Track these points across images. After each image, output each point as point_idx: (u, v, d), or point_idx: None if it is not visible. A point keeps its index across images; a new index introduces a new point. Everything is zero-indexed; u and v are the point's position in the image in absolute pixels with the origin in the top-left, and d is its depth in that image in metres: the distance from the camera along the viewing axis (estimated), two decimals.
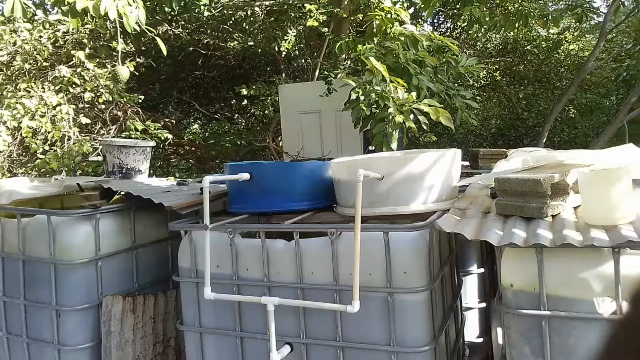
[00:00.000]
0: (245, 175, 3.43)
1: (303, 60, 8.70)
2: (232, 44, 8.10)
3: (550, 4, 7.74)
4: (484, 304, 4.03)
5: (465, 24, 6.79)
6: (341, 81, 5.72)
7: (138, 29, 4.62)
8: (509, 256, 2.34)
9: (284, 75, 6.57)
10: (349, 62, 6.37)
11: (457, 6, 6.45)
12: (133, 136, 5.24)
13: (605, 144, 6.89)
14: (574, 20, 7.86)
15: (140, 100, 6.01)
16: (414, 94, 4.44)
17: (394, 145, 4.43)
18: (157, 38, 4.42)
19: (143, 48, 8.74)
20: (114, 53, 5.95)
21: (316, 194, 3.58)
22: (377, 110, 4.56)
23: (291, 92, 6.28)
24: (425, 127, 4.43)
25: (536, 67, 8.26)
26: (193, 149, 8.69)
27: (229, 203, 3.79)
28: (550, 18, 7.01)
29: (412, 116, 4.36)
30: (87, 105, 5.57)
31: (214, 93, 8.87)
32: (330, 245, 2.79)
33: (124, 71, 4.31)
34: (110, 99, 5.22)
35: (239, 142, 6.58)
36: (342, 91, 5.33)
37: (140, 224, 4.01)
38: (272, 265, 2.93)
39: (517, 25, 6.35)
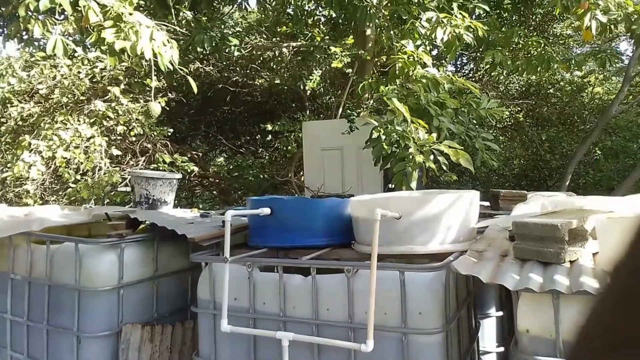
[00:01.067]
0: (266, 210, 3.51)
1: (327, 97, 8.93)
2: (259, 82, 8.38)
3: (575, 47, 7.82)
4: (502, 349, 3.94)
5: (488, 66, 6.90)
6: (363, 120, 5.85)
7: (171, 67, 4.86)
8: (525, 301, 2.33)
9: (308, 112, 6.75)
10: (371, 101, 6.51)
11: (480, 49, 6.57)
12: (161, 168, 5.43)
13: (631, 188, 6.78)
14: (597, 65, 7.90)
15: (169, 134, 6.24)
16: (434, 135, 4.51)
17: (414, 184, 4.47)
18: (188, 77, 4.64)
19: (175, 84, 9.13)
20: (147, 89, 6.24)
21: (335, 230, 3.63)
22: (398, 150, 4.63)
23: (314, 129, 6.43)
24: (444, 168, 4.47)
25: (560, 109, 8.25)
26: (217, 181, 8.88)
27: (250, 236, 3.86)
28: (573, 62, 7.08)
29: (432, 156, 4.42)
30: (119, 138, 5.83)
31: (240, 127, 9.12)
32: (346, 283, 2.83)
33: (156, 107, 4.52)
34: (141, 132, 5.45)
35: (261, 176, 6.71)
36: (363, 129, 5.45)
37: (163, 254, 4.09)
38: (288, 300, 2.97)
39: (538, 69, 6.42)
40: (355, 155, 6.24)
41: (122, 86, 5.68)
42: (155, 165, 5.62)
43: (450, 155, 4.28)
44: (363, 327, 2.62)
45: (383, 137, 4.68)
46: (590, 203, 3.03)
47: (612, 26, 5.88)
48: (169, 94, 8.29)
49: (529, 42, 6.44)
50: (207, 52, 5.53)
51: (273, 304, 3.01)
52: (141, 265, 3.85)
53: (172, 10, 5.42)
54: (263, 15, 7.33)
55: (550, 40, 6.97)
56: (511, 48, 6.64)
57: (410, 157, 4.49)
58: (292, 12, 7.60)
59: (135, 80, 5.87)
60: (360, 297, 2.77)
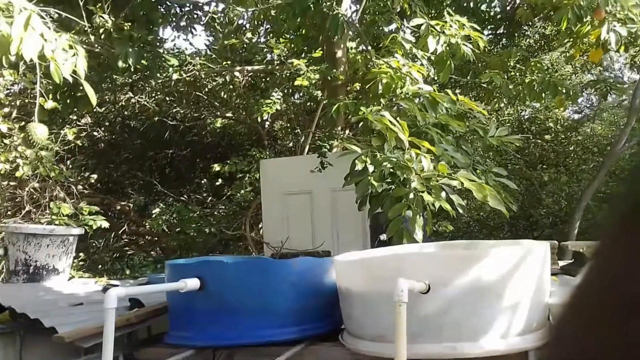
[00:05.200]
0: (193, 283, 2.06)
1: (290, 138, 7.63)
2: (208, 118, 7.02)
3: (567, 81, 6.95)
4: None
5: (483, 93, 5.88)
6: (337, 154, 4.53)
7: (70, 79, 3.45)
8: None
9: (267, 151, 5.42)
10: (347, 131, 5.26)
11: (474, 73, 5.55)
12: (56, 223, 3.87)
13: None
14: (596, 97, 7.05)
15: (68, 177, 4.68)
16: (443, 163, 3.22)
17: (419, 234, 3.10)
18: (85, 84, 3.23)
19: (107, 123, 7.63)
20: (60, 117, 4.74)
21: (309, 312, 2.21)
22: (393, 186, 3.30)
23: (275, 168, 5.09)
24: (461, 211, 3.15)
25: (555, 148, 7.31)
26: (156, 239, 7.24)
27: (169, 328, 2.38)
28: (570, 94, 6.11)
29: (443, 194, 3.09)
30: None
31: (186, 174, 7.65)
32: None
33: (40, 130, 3.04)
34: (29, 173, 3.90)
35: (207, 231, 5.21)
36: (339, 166, 4.12)
37: (30, 354, 2.58)
38: None
39: (543, 95, 5.41)
40: (328, 200, 4.85)
41: (5, 109, 4.16)
42: (49, 219, 4.06)
43: (473, 191, 2.98)
44: None
45: (370, 168, 3.35)
46: None
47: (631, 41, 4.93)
48: (96, 133, 6.79)
49: (530, 65, 5.42)
50: (132, 66, 4.19)
51: None
52: None
53: (81, 8, 4.06)
54: (211, 39, 6.11)
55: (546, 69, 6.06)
56: (509, 75, 5.64)
57: (412, 195, 3.15)
58: (247, 40, 6.43)
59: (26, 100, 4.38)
60: None
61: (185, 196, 6.41)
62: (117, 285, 3.29)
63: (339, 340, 2.14)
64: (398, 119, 3.73)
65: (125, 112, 7.17)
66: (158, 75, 4.95)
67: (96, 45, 4.64)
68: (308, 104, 7.40)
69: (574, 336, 0.31)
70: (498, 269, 1.79)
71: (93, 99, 3.18)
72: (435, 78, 4.89)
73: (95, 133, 6.54)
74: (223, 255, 4.08)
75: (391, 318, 1.78)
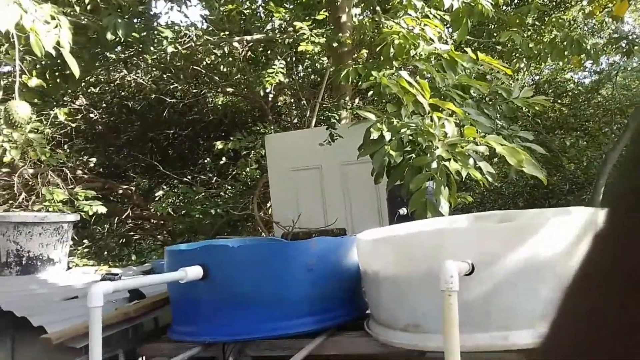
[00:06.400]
0: (194, 272, 1.79)
1: (295, 113, 7.29)
2: (209, 96, 6.68)
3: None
4: None
5: (500, 55, 5.48)
6: (347, 125, 4.21)
7: (53, 52, 3.14)
8: None
9: (271, 124, 5.09)
10: (357, 100, 4.93)
11: (491, 30, 5.16)
12: (51, 210, 3.60)
13: None
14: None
15: (64, 162, 4.39)
16: (469, 126, 2.90)
17: (444, 206, 2.81)
18: (66, 54, 2.92)
19: (104, 105, 7.32)
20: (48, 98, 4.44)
21: (330, 299, 1.94)
22: (413, 155, 3.01)
23: (281, 143, 4.78)
24: (491, 179, 2.85)
25: (574, 111, 6.92)
26: (162, 222, 7.00)
27: (172, 322, 2.12)
28: (591, 53, 5.71)
29: (471, 161, 2.79)
30: None
31: (189, 154, 7.36)
32: None
33: (22, 108, 2.75)
34: (17, 158, 3.61)
35: (213, 212, 4.94)
36: (349, 138, 3.82)
37: (24, 357, 2.37)
38: None
39: (566, 52, 5.02)
40: (339, 175, 4.55)
41: None
42: (43, 206, 3.79)
43: (506, 156, 2.67)
44: None
45: (387, 136, 3.05)
46: None
47: None
48: (92, 115, 6.49)
49: (551, 21, 5.01)
50: (125, 45, 3.86)
51: None
52: None
53: None
54: (206, 12, 5.72)
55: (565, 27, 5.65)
56: (527, 34, 5.24)
57: (436, 163, 2.86)
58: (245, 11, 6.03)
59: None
60: None
61: (189, 177, 6.12)
62: (118, 274, 3.04)
63: (364, 329, 1.87)
64: (418, 78, 3.40)
65: (122, 92, 6.85)
66: (152, 49, 4.60)
67: (82, 18, 4.30)
68: (312, 76, 7.05)
69: (573, 315, 0.29)
70: (556, 243, 1.49)
71: (75, 70, 2.88)
72: (449, 40, 4.51)
73: (91, 115, 6.23)
74: (231, 238, 3.82)
75: (428, 304, 1.50)
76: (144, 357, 2.28)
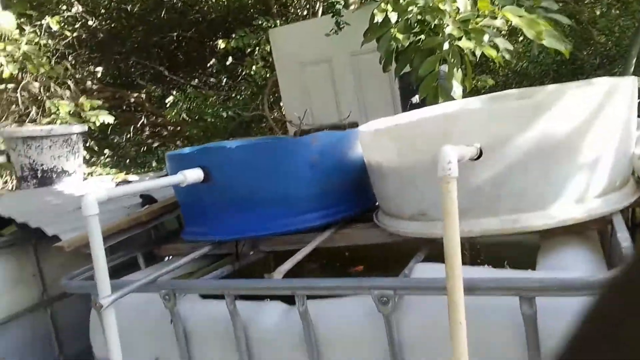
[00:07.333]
0: (194, 175, 1.75)
1: (301, 3, 6.82)
2: None
3: None
4: None
5: None
6: (355, 11, 3.91)
7: None
8: None
9: (275, 17, 4.75)
10: None
11: None
12: (60, 122, 3.58)
13: None
14: None
15: (66, 74, 4.27)
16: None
17: (458, 89, 2.65)
18: None
19: (102, 10, 6.98)
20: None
21: (336, 194, 1.91)
22: (422, 37, 2.78)
23: (287, 36, 4.51)
24: (508, 57, 2.63)
25: None
26: (179, 128, 6.99)
27: (184, 224, 2.16)
28: None
29: (486, 38, 2.56)
30: None
31: (197, 57, 7.11)
32: (377, 321, 1.15)
33: (5, 19, 2.59)
34: (14, 72, 3.51)
35: (224, 114, 4.85)
36: (358, 25, 3.53)
37: (50, 264, 2.49)
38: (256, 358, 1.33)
39: None
40: (350, 67, 4.33)
41: None
42: (50, 119, 3.77)
43: (523, 29, 2.43)
44: None
45: (393, 18, 2.81)
46: None
47: None
48: (91, 22, 6.22)
49: None
50: None
51: None
52: (17, 287, 2.34)
53: None
54: None
55: None
56: None
57: (447, 44, 2.64)
58: None
59: None
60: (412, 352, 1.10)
61: (197, 80, 5.96)
62: (133, 182, 3.07)
63: (373, 221, 1.84)
64: None
65: None
66: None
67: None
68: None
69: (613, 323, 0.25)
70: (572, 118, 1.36)
71: None
72: None
73: (90, 23, 5.97)
74: (243, 139, 3.76)
75: (434, 193, 1.43)
76: (165, 258, 2.35)
